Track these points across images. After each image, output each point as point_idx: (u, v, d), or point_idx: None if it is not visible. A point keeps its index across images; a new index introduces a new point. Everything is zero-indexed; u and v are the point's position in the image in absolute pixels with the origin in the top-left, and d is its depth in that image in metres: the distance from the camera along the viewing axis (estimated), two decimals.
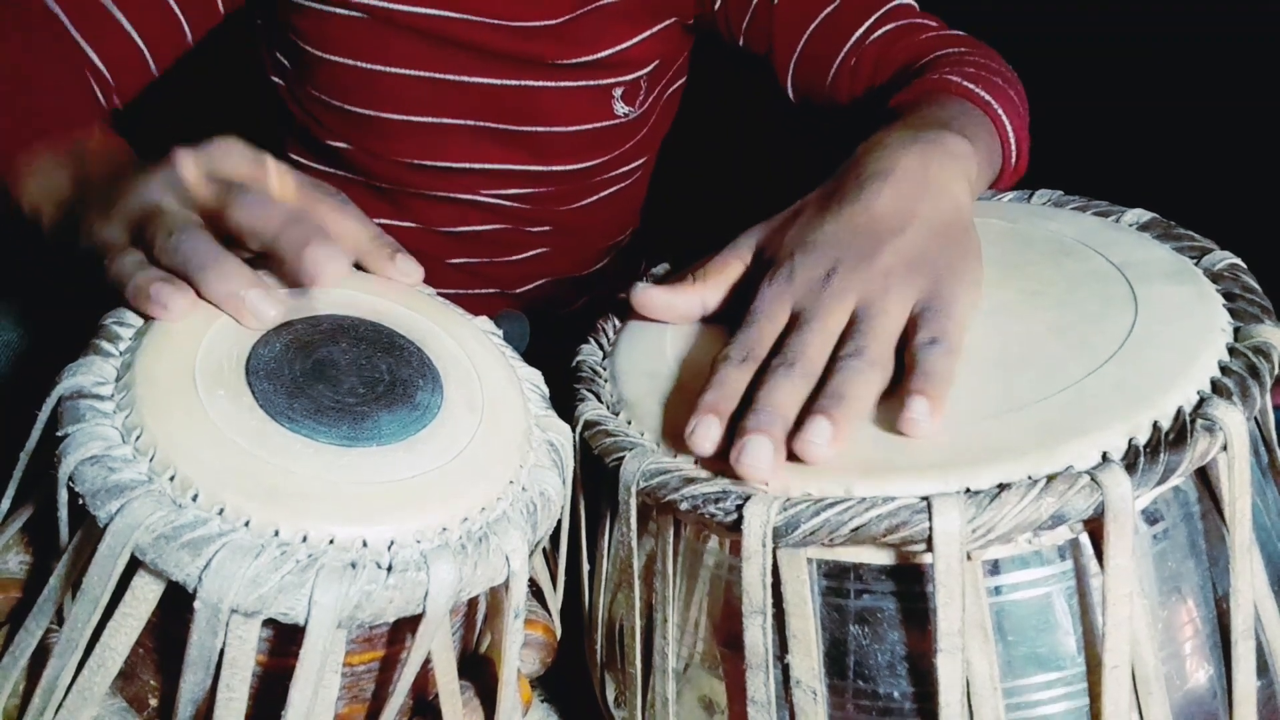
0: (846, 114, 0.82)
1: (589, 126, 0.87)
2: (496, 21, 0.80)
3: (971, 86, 0.64)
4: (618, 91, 0.87)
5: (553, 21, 0.81)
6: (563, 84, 0.84)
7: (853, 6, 0.81)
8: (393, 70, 0.82)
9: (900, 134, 0.55)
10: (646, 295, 0.54)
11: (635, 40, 0.85)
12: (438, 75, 0.82)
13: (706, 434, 0.43)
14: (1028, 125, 0.67)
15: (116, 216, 0.47)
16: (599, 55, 0.83)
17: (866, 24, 0.79)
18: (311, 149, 0.90)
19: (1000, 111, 0.64)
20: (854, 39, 0.79)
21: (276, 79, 0.89)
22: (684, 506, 0.43)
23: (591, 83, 0.85)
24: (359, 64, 0.81)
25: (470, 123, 0.85)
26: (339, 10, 0.80)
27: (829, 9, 0.81)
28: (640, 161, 0.95)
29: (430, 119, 0.84)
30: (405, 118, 0.84)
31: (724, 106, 0.85)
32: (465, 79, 0.83)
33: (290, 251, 0.44)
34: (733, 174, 1.51)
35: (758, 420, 0.42)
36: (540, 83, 0.84)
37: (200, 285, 0.44)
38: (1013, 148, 0.64)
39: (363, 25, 0.80)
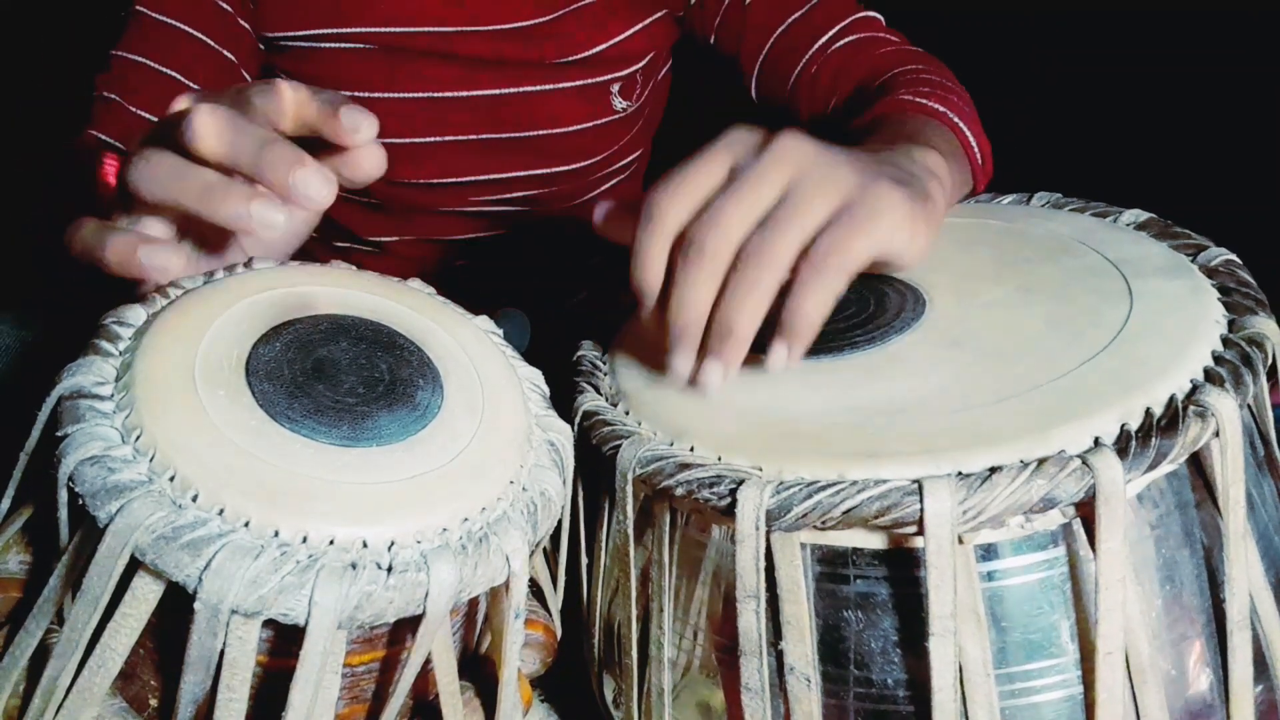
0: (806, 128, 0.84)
1: (589, 125, 0.88)
2: (493, 28, 0.81)
3: (926, 102, 0.67)
4: (615, 87, 0.88)
5: (547, 18, 0.82)
6: (561, 85, 0.85)
7: (821, 14, 0.83)
8: (394, 95, 0.83)
9: (869, 150, 0.54)
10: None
11: (630, 33, 0.86)
12: (439, 94, 0.83)
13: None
14: (983, 132, 0.70)
15: None
16: (596, 50, 0.85)
17: (831, 32, 0.82)
18: None
19: (957, 120, 0.66)
20: (818, 45, 0.82)
21: None
22: (679, 492, 0.43)
23: (589, 80, 0.86)
24: (359, 94, 0.82)
25: (473, 137, 0.85)
26: (337, 45, 0.80)
27: (798, 14, 0.83)
28: (638, 154, 0.96)
29: (433, 139, 0.85)
30: (408, 140, 0.84)
31: (715, 99, 0.87)
32: (466, 94, 0.83)
33: (276, 177, 0.42)
34: None
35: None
36: (540, 86, 0.85)
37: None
38: (975, 151, 0.67)
39: (363, 56, 0.81)
